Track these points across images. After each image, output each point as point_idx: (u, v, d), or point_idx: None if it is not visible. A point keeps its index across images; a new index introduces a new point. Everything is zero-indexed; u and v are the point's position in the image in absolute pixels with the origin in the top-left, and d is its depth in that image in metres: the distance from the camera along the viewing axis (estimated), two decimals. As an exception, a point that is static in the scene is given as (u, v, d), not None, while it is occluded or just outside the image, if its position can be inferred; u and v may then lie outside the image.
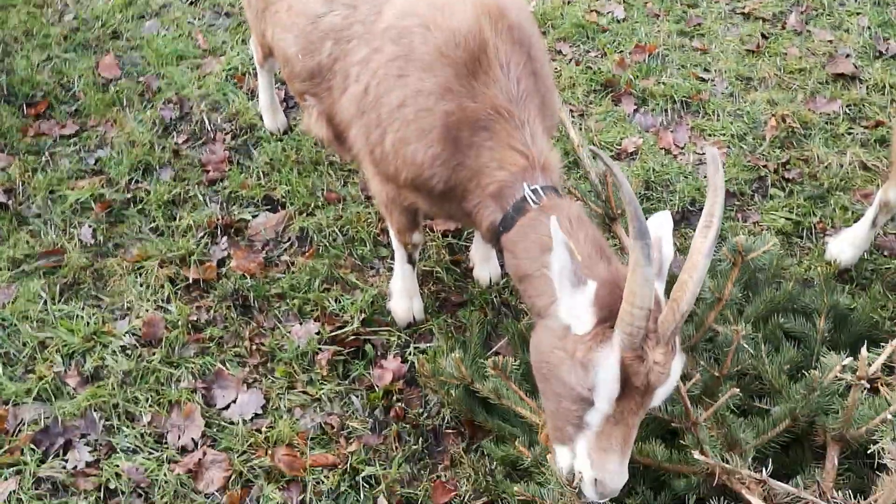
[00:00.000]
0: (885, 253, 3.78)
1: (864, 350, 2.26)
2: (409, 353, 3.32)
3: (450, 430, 3.10)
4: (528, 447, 2.68)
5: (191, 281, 3.50)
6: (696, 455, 2.25)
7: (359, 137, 2.85)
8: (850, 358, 2.42)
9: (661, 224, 2.38)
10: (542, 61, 2.75)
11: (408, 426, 3.10)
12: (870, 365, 2.32)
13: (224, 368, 3.22)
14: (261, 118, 4.26)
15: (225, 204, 3.85)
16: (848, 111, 4.48)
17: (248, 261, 3.60)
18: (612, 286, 2.20)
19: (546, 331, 2.32)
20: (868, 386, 2.35)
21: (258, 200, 3.88)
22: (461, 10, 2.58)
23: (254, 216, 3.81)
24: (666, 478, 2.70)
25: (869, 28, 5.02)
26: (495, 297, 3.52)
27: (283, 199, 3.89)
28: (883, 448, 2.05)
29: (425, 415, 3.13)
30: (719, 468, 2.29)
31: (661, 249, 2.32)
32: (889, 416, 2.07)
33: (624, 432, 2.15)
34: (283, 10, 3.10)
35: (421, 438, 3.06)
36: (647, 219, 2.22)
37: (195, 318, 3.37)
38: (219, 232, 3.71)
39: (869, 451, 2.11)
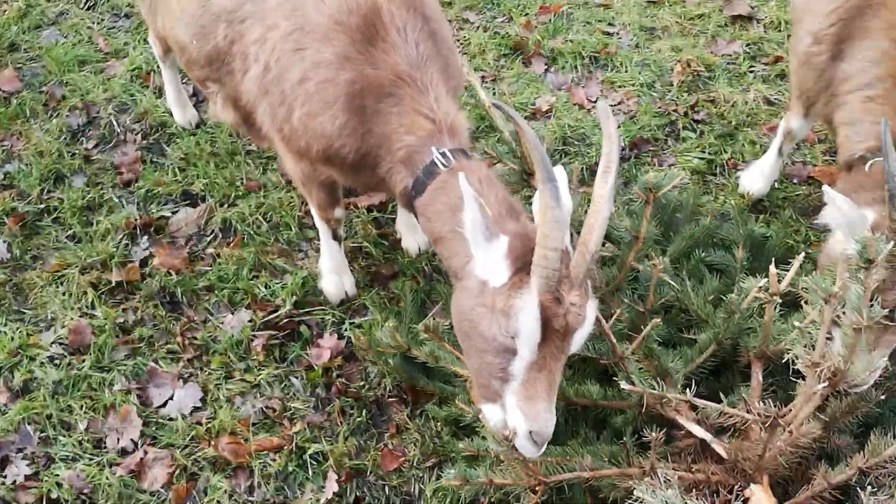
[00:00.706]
0: (795, 180, 3.92)
1: (772, 268, 2.35)
2: (345, 329, 3.33)
3: (393, 399, 3.12)
4: (469, 404, 2.72)
5: (114, 284, 3.43)
6: (624, 385, 2.31)
7: (266, 117, 2.83)
8: (766, 280, 2.51)
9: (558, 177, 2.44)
10: (439, 21, 2.76)
11: (350, 400, 3.11)
12: (780, 282, 2.41)
13: (157, 367, 3.18)
14: (171, 114, 4.18)
15: (142, 203, 3.78)
16: (748, 50, 4.61)
17: (172, 257, 3.55)
18: (523, 239, 2.26)
19: (464, 291, 2.35)
20: (780, 301, 2.45)
21: (176, 196, 3.82)
22: None
23: (173, 212, 3.76)
24: (605, 415, 2.78)
25: (761, -31, 5.16)
26: (426, 264, 3.55)
27: (203, 193, 3.83)
28: (795, 356, 2.13)
29: (367, 387, 3.15)
30: (648, 395, 2.36)
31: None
32: (797, 325, 2.15)
33: (548, 378, 2.19)
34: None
35: (365, 410, 3.08)
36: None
37: (122, 321, 3.32)
38: (138, 232, 3.65)
39: (784, 360, 2.19)
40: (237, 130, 3.55)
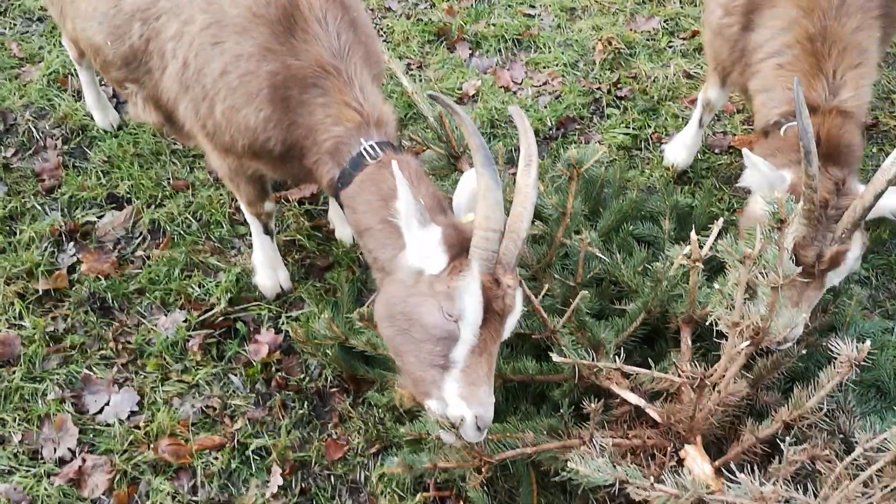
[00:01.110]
0: (716, 150, 4.03)
1: (693, 235, 2.41)
2: (282, 323, 3.31)
3: (334, 389, 3.12)
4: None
5: (42, 293, 3.34)
6: (556, 358, 2.36)
7: (188, 114, 2.79)
8: (689, 247, 2.58)
9: (472, 180, 2.48)
10: (359, 10, 2.75)
11: (291, 393, 3.10)
12: (701, 248, 2.48)
13: (91, 373, 3.12)
14: (91, 117, 4.08)
15: (66, 209, 3.69)
16: (666, 26, 4.71)
17: (101, 262, 3.47)
18: (455, 229, 2.30)
19: (395, 284, 2.35)
20: (704, 267, 2.52)
21: (101, 200, 3.74)
22: None
23: (99, 217, 3.68)
24: (543, 390, 2.82)
25: (675, -54, 5.27)
26: (360, 254, 3.54)
27: (128, 195, 3.76)
28: (717, 318, 2.20)
29: (307, 379, 3.14)
30: (581, 366, 2.41)
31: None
32: (717, 287, 2.22)
33: (488, 362, 2.24)
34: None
35: (306, 402, 3.07)
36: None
37: (53, 329, 3.24)
38: (64, 239, 3.56)
39: (707, 323, 2.26)
40: (161, 130, 3.48)
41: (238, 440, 2.93)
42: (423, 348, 2.27)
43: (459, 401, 2.23)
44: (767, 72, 2.95)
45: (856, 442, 2.09)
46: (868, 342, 2.11)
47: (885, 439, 1.99)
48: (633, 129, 4.14)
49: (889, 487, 1.96)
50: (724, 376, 2.32)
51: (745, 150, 2.71)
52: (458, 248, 2.24)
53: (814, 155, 2.44)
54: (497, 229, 2.14)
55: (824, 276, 2.65)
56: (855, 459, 2.02)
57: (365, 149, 2.50)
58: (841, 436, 2.39)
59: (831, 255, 2.60)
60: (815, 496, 1.98)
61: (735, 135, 4.12)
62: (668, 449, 2.38)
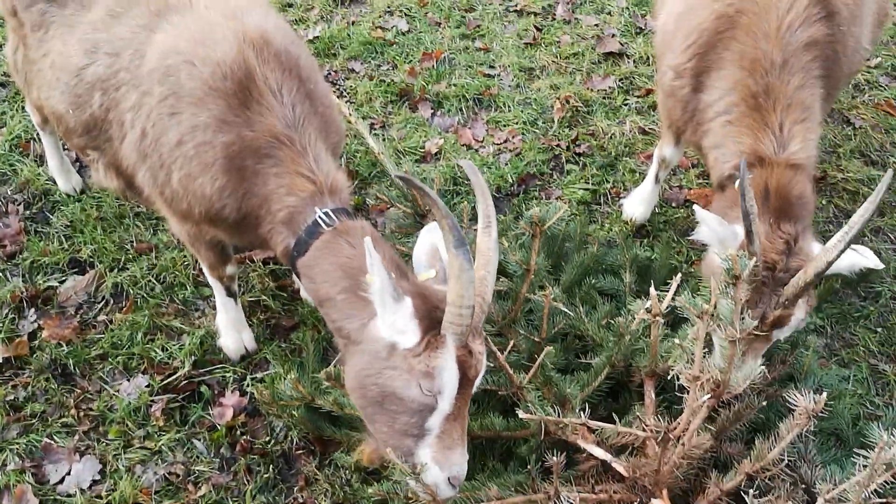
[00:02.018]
0: (673, 204, 4.13)
1: (652, 290, 2.47)
2: (247, 385, 3.29)
3: (300, 451, 3.09)
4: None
5: (2, 360, 3.29)
6: (522, 415, 2.37)
7: (146, 181, 2.81)
8: (649, 302, 2.63)
9: (432, 233, 2.54)
10: (315, 81, 2.80)
11: (256, 457, 3.06)
12: (661, 302, 2.53)
13: (52, 442, 3.06)
14: (54, 182, 4.08)
15: (27, 275, 3.65)
16: (621, 84, 4.86)
17: (62, 328, 3.43)
18: (420, 298, 2.31)
19: (366, 355, 2.36)
20: (665, 321, 2.57)
21: (64, 265, 3.71)
22: (223, 42, 2.58)
23: (61, 282, 3.64)
24: (510, 446, 2.83)
25: (628, 9, 5.47)
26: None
27: (91, 259, 3.74)
28: (678, 373, 2.24)
29: (273, 441, 3.11)
30: (544, 421, 2.43)
31: (440, 255, 2.49)
32: (677, 342, 2.26)
33: (461, 424, 2.29)
34: (46, 69, 3.00)
35: (272, 466, 3.03)
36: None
37: (13, 398, 3.18)
38: (25, 305, 3.52)
39: (669, 377, 2.30)
40: (123, 195, 3.50)
41: (203, 507, 2.89)
42: (398, 419, 2.30)
43: (433, 465, 2.26)
44: (717, 129, 3.05)
45: (817, 493, 2.12)
46: (824, 394, 2.17)
47: (845, 489, 2.02)
48: (593, 184, 4.24)
49: (850, 536, 1.99)
50: (687, 429, 2.35)
51: (695, 207, 2.79)
52: (429, 319, 2.27)
53: (756, 234, 2.54)
54: (471, 305, 2.19)
55: (769, 336, 2.72)
56: (817, 510, 2.05)
57: (320, 216, 2.52)
58: (803, 486, 2.42)
59: (773, 318, 2.67)
60: (780, 547, 2.00)
61: (691, 189, 4.23)
62: (635, 502, 2.39)
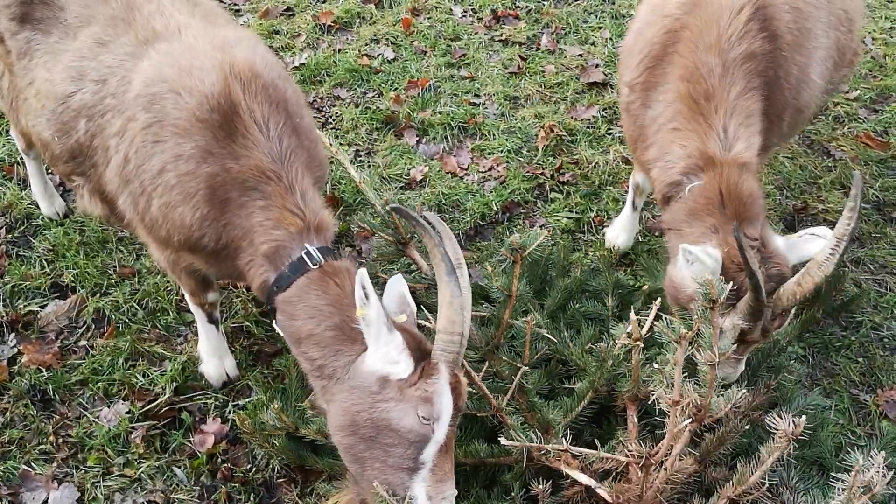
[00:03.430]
0: (656, 233, 4.16)
1: (632, 315, 2.47)
2: (229, 412, 3.26)
3: (282, 480, 3.07)
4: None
5: (-21, 386, 3.26)
6: (505, 442, 2.37)
7: (128, 206, 2.81)
8: (630, 327, 2.64)
9: (399, 284, 2.58)
10: (302, 115, 2.82)
11: (237, 485, 3.03)
12: (641, 327, 2.54)
13: (30, 469, 3.02)
14: (37, 206, 4.06)
15: (8, 299, 3.63)
16: (605, 114, 4.91)
17: (42, 353, 3.40)
18: (406, 331, 2.36)
19: (355, 391, 2.35)
20: (643, 345, 2.58)
21: (45, 289, 3.69)
22: (210, 74, 2.59)
23: (42, 306, 3.62)
24: (494, 473, 2.81)
25: (611, 39, 5.55)
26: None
27: (73, 284, 3.72)
28: (659, 397, 2.24)
29: (254, 470, 3.08)
30: (527, 448, 2.42)
31: (407, 302, 2.54)
32: (656, 366, 2.27)
33: (450, 457, 2.31)
34: (31, 96, 3.01)
35: (252, 494, 3.01)
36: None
37: (-10, 424, 3.15)
38: (5, 329, 3.49)
39: (650, 401, 2.30)
40: (107, 221, 3.49)
41: (182, 535, 2.85)
42: (393, 453, 2.30)
43: (426, 499, 2.28)
44: (664, 138, 3.07)
45: (799, 516, 2.12)
46: (804, 417, 2.18)
47: (826, 513, 2.03)
48: (576, 212, 4.27)
49: (832, 562, 1.99)
50: (669, 454, 2.35)
51: (684, 246, 2.75)
52: (418, 351, 2.31)
53: (762, 287, 2.55)
54: (462, 332, 2.23)
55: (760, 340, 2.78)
56: (798, 534, 2.05)
57: (307, 253, 2.53)
58: (785, 511, 2.42)
59: (774, 327, 2.74)
60: (762, 573, 1.99)
61: (674, 217, 4.26)
62: (619, 529, 2.38)
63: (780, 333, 2.93)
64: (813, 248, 2.74)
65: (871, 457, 2.05)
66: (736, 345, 2.77)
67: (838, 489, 2.02)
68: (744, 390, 2.58)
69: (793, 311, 2.78)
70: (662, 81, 3.08)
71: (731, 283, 2.42)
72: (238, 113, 2.56)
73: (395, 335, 2.30)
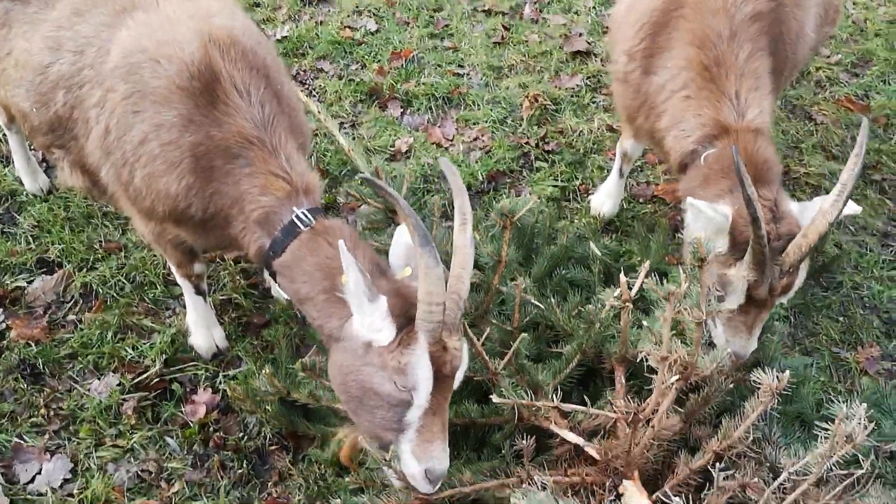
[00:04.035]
0: (641, 200, 4.19)
1: (622, 276, 2.51)
2: (220, 383, 3.28)
3: (274, 447, 3.09)
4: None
5: (-32, 362, 3.26)
6: (496, 399, 2.40)
7: (110, 179, 2.80)
8: (619, 290, 2.67)
9: (405, 234, 2.53)
10: (282, 82, 2.81)
11: (230, 453, 3.05)
12: (630, 289, 2.57)
13: (22, 442, 3.03)
14: (21, 182, 4.04)
15: (-6, 276, 3.62)
16: (589, 83, 4.93)
17: (31, 328, 3.40)
18: (398, 295, 2.34)
19: (346, 353, 2.39)
20: (634, 307, 2.61)
21: (31, 265, 3.68)
22: (188, 42, 2.58)
23: (29, 282, 3.61)
24: (484, 433, 2.85)
25: (595, 8, 5.55)
26: (298, 310, 3.55)
27: (59, 259, 3.70)
28: (647, 355, 2.28)
29: (246, 437, 3.10)
30: (518, 406, 2.46)
31: (414, 254, 2.46)
32: (645, 324, 2.31)
33: (441, 419, 2.30)
34: (10, 67, 2.98)
35: (245, 461, 3.03)
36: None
37: (-20, 399, 3.15)
38: (-8, 305, 3.49)
39: (640, 360, 2.34)
40: (89, 194, 3.47)
41: (175, 503, 2.87)
42: (377, 414, 2.33)
43: (411, 458, 2.30)
44: (676, 106, 3.07)
45: (782, 468, 2.17)
46: (788, 372, 2.22)
47: (808, 462, 2.08)
48: (562, 181, 4.29)
49: (815, 509, 2.04)
50: (656, 411, 2.39)
51: (689, 199, 2.75)
52: (404, 317, 2.29)
53: (762, 220, 2.54)
54: (440, 302, 2.20)
55: (775, 301, 2.78)
56: (782, 484, 2.10)
57: (297, 216, 2.53)
58: (768, 465, 2.47)
59: (782, 287, 2.73)
60: (747, 522, 2.04)
61: (658, 184, 4.30)
62: (607, 484, 2.42)
63: (791, 299, 2.92)
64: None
65: (853, 408, 2.10)
66: (746, 313, 2.80)
67: (820, 439, 2.07)
68: (728, 350, 2.64)
69: (802, 272, 2.77)
70: (667, 48, 3.07)
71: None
72: (218, 80, 2.55)
73: (379, 302, 2.29)
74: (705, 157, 2.94)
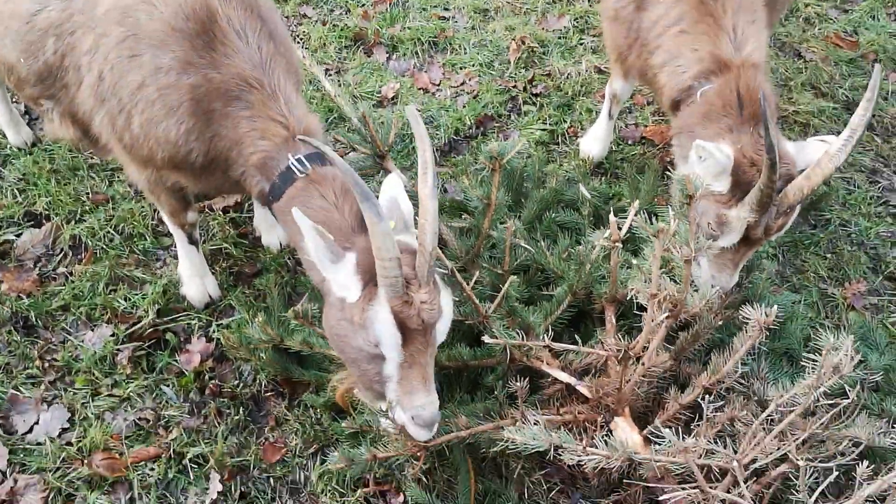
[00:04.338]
0: (630, 142, 4.18)
1: (612, 217, 2.52)
2: (213, 332, 3.29)
3: (269, 393, 3.12)
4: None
5: (-40, 316, 3.26)
6: (488, 339, 2.43)
7: (104, 127, 2.77)
8: (609, 231, 2.68)
9: (392, 185, 2.53)
10: (275, 21, 2.76)
11: (226, 400, 3.09)
12: (620, 229, 2.58)
13: (18, 393, 3.05)
14: (4, 135, 3.99)
15: (-18, 230, 3.60)
16: (576, 24, 4.86)
17: (21, 281, 3.40)
18: (371, 251, 2.25)
19: (330, 307, 2.41)
20: (622, 247, 2.63)
21: (19, 219, 3.65)
22: None
23: (17, 235, 3.59)
24: (477, 375, 2.89)
25: (581, -53, 5.45)
26: (288, 258, 3.56)
27: (47, 212, 3.68)
28: (637, 292, 2.30)
29: (241, 385, 3.13)
30: (511, 346, 2.49)
31: (400, 207, 2.48)
32: (634, 262, 2.33)
33: (420, 371, 2.29)
34: None
35: (241, 408, 3.06)
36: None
37: (-26, 352, 3.16)
38: (-19, 259, 3.47)
39: (629, 298, 2.37)
40: (78, 146, 3.43)
41: (174, 450, 2.91)
42: (361, 366, 2.36)
43: (398, 408, 2.33)
44: (670, 41, 3.02)
45: (770, 400, 2.22)
46: (776, 307, 2.25)
47: (795, 394, 2.12)
48: (550, 124, 4.27)
49: (800, 439, 2.09)
50: (646, 348, 2.43)
51: (697, 142, 2.69)
52: (371, 273, 2.25)
53: (778, 167, 2.51)
54: (392, 257, 2.15)
55: (766, 240, 2.81)
56: (770, 416, 2.15)
57: (293, 163, 2.51)
58: (756, 399, 2.52)
59: (777, 226, 2.74)
60: (735, 452, 2.09)
61: (647, 126, 4.28)
62: (599, 421, 2.47)
63: (780, 237, 2.93)
64: (820, 153, 2.73)
65: (840, 340, 2.13)
66: (736, 251, 2.82)
67: (808, 370, 2.11)
68: (717, 287, 2.66)
69: (796, 211, 2.78)
70: None
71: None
72: (216, 20, 2.51)
73: (344, 262, 2.29)
74: (702, 93, 2.90)
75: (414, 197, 2.43)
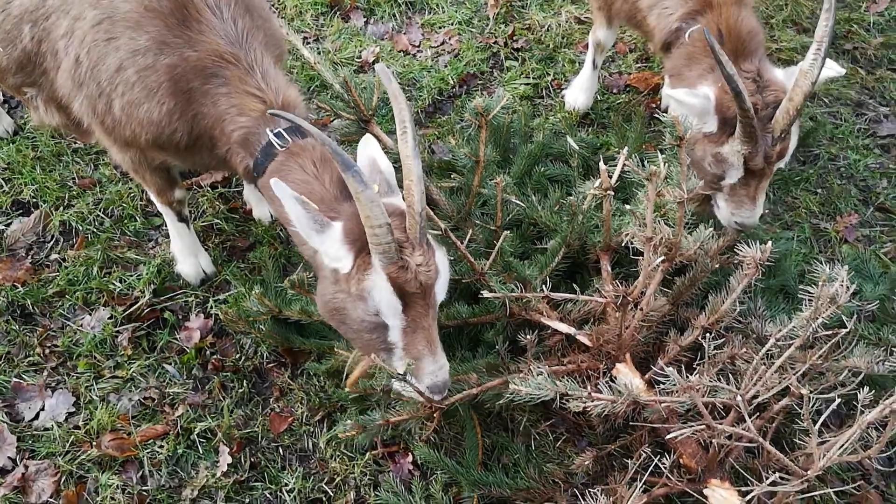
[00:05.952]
0: (614, 90, 4.16)
1: (602, 164, 2.51)
2: (211, 307, 3.29)
3: (271, 364, 3.14)
4: (349, 349, 2.77)
5: (-44, 309, 3.25)
6: (486, 294, 2.44)
7: (84, 110, 2.73)
8: (599, 180, 2.68)
9: (367, 146, 2.49)
10: None
11: (229, 374, 3.10)
12: (611, 177, 2.58)
13: (21, 381, 3.05)
14: (-16, 126, 3.94)
15: (-30, 222, 3.57)
16: (554, -25, 4.81)
17: (15, 270, 3.38)
18: (358, 219, 2.22)
19: (323, 282, 2.39)
20: (613, 195, 2.63)
21: (6, 208, 3.63)
22: None
23: (7, 225, 3.57)
24: (477, 333, 2.91)
25: None
26: (280, 230, 3.55)
27: (34, 199, 3.66)
28: (632, 237, 2.31)
29: (243, 358, 3.14)
30: (508, 299, 2.50)
31: (380, 168, 2.44)
32: (629, 208, 2.33)
33: (425, 335, 2.28)
34: None
35: (245, 381, 3.08)
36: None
37: (-27, 344, 3.16)
38: (-28, 251, 3.45)
39: (623, 244, 2.37)
40: (62, 131, 3.39)
41: (181, 426, 2.93)
42: (363, 337, 2.34)
43: (410, 377, 2.29)
44: None
45: (768, 336, 2.24)
46: (770, 243, 2.27)
47: (794, 328, 2.14)
48: (533, 78, 4.24)
49: (800, 371, 2.11)
50: (644, 293, 2.44)
51: (665, 90, 2.74)
52: (361, 241, 2.22)
53: (745, 94, 2.53)
54: (382, 223, 2.12)
55: (773, 168, 2.81)
56: (770, 351, 2.17)
57: (272, 138, 2.48)
58: (755, 336, 2.54)
59: (777, 153, 2.75)
60: (738, 388, 2.11)
61: (631, 74, 4.26)
62: (601, 368, 2.49)
63: (786, 164, 2.95)
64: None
65: (836, 271, 2.15)
66: (747, 185, 2.84)
67: (805, 303, 2.12)
68: (710, 229, 2.67)
69: (794, 135, 2.79)
70: None
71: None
72: None
73: (331, 231, 2.25)
74: (689, 34, 2.90)
75: (397, 160, 2.40)
